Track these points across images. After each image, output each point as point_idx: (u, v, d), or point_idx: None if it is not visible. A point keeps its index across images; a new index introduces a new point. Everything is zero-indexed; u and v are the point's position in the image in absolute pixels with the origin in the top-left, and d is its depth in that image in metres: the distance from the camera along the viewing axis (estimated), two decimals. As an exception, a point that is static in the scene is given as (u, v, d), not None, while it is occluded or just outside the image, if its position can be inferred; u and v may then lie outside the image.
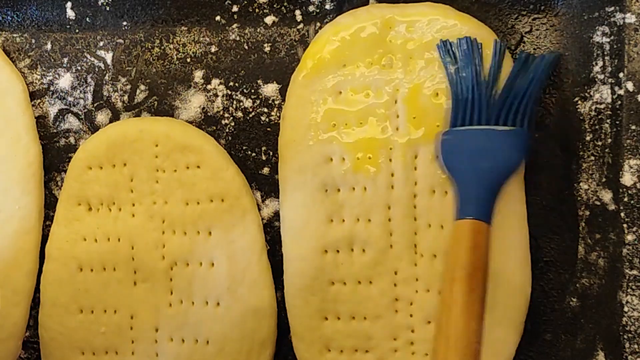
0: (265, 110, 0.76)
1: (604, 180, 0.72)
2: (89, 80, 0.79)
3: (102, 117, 0.78)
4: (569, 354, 0.72)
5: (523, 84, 0.66)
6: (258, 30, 0.77)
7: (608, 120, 0.72)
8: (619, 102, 0.71)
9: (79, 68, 0.79)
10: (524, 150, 0.64)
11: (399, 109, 0.72)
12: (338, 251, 0.72)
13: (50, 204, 0.78)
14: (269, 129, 0.76)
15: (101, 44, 0.79)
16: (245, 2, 0.77)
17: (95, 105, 0.78)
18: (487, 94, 0.66)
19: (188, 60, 0.78)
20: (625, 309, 0.70)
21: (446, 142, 0.67)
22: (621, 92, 0.71)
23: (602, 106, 0.72)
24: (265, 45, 0.77)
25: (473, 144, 0.65)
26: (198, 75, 0.77)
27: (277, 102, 0.76)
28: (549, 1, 0.74)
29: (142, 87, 0.78)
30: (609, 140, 0.72)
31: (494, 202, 0.65)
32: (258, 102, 0.77)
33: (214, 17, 0.77)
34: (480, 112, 0.66)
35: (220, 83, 0.77)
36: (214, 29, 0.78)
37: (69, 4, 0.79)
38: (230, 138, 0.77)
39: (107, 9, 0.79)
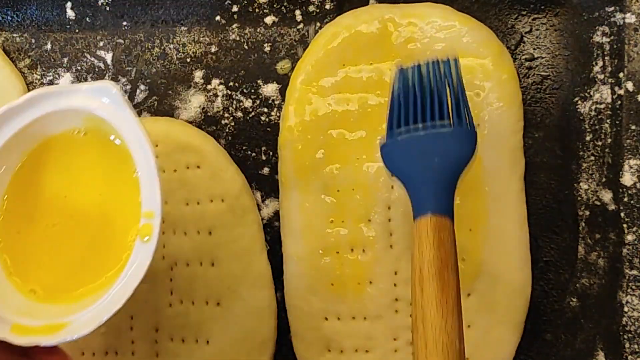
0: (265, 110, 0.76)
1: (604, 180, 0.72)
2: (89, 80, 0.78)
3: (102, 117, 0.78)
4: (569, 354, 0.72)
5: (452, 86, 0.63)
6: (258, 30, 0.77)
7: (608, 120, 0.72)
8: (619, 102, 0.71)
9: (79, 68, 0.79)
10: (473, 146, 0.61)
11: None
12: (338, 252, 0.72)
13: (50, 204, 0.78)
14: (269, 129, 0.76)
15: (101, 44, 0.79)
16: (245, 2, 0.77)
17: (95, 105, 0.78)
18: (427, 97, 0.63)
19: (188, 60, 0.78)
20: (625, 309, 0.70)
21: (388, 151, 0.63)
22: (621, 92, 0.71)
23: (602, 106, 0.72)
24: (265, 45, 0.77)
25: (417, 148, 0.62)
26: (198, 75, 0.77)
27: (277, 102, 0.76)
28: (549, 1, 0.74)
29: (142, 87, 0.78)
30: (609, 140, 0.72)
31: (451, 197, 0.61)
32: (258, 102, 0.77)
33: (214, 17, 0.78)
34: (420, 115, 0.63)
35: (220, 83, 0.77)
36: (214, 29, 0.78)
37: (69, 4, 0.79)
38: (230, 138, 0.77)
39: (107, 9, 0.79)
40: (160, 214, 0.59)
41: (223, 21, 0.77)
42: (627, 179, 0.71)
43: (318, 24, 0.76)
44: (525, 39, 0.74)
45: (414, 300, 0.58)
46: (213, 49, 0.77)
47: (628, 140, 0.71)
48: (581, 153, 0.72)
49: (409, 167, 0.62)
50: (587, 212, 0.72)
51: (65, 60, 0.79)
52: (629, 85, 0.71)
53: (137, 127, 0.60)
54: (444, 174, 0.61)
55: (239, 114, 0.77)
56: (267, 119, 0.76)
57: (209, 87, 0.77)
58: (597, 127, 0.72)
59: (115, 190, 0.64)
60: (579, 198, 0.72)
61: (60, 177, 0.65)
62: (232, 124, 0.77)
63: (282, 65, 0.77)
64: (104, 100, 0.62)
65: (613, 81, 0.72)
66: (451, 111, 0.61)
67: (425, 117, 0.61)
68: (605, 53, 0.72)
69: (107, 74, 0.78)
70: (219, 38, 0.77)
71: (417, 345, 0.57)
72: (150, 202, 0.59)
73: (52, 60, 0.79)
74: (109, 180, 0.64)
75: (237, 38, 0.77)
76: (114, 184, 0.64)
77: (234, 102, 0.77)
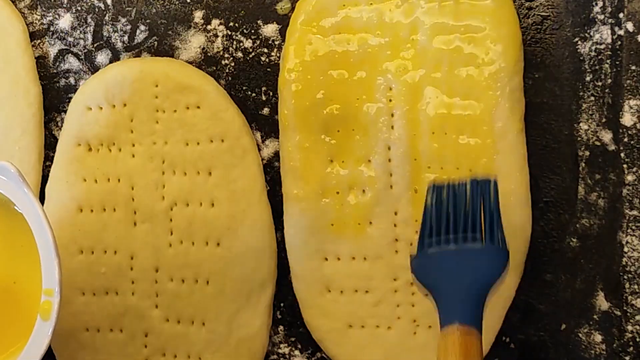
0: (266, 50, 0.76)
1: (604, 120, 0.72)
2: (89, 20, 0.78)
3: (102, 57, 0.78)
4: (568, 294, 0.72)
5: (487, 205, 0.64)
6: (258, -30, 0.77)
7: (608, 61, 0.72)
8: (619, 43, 0.71)
9: (79, 8, 0.78)
10: (504, 265, 0.62)
11: (400, 49, 0.72)
12: (338, 192, 0.72)
13: (50, 144, 0.77)
14: (269, 70, 0.76)
15: (101, -16, 0.79)
16: (246, -59, 0.77)
17: (95, 45, 0.78)
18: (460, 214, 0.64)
19: (188, 0, 0.77)
20: (625, 249, 0.70)
21: (419, 263, 0.64)
22: (621, 32, 0.71)
23: (602, 46, 0.72)
24: (265, -15, 0.77)
25: (448, 263, 0.63)
26: (198, 15, 0.77)
27: (277, 43, 0.76)
28: (548, -59, 0.74)
29: (142, 27, 0.78)
30: (609, 81, 0.72)
31: (480, 310, 0.61)
32: (258, 42, 0.76)
33: (213, -43, 0.77)
34: (453, 229, 0.64)
35: (220, 23, 0.77)
36: (214, -30, 0.77)
37: (69, -56, 0.79)
38: (230, 78, 0.76)
39: (107, -51, 0.79)
40: (59, 292, 0.60)
41: (223, -39, 0.77)
42: (627, 119, 0.71)
43: (319, -35, 0.76)
44: (524, -20, 0.74)
45: None
46: (213, -11, 0.77)
47: (628, 81, 0.71)
48: (581, 93, 0.72)
49: (438, 280, 0.63)
50: (587, 153, 0.72)
51: (65, 0, 0.79)
52: (629, 26, 0.71)
53: (35, 206, 0.61)
54: (472, 288, 0.61)
55: (239, 54, 0.77)
56: (267, 60, 0.76)
57: (208, 27, 0.77)
58: (597, 67, 0.72)
59: (19, 263, 0.65)
60: (579, 138, 0.72)
61: None
62: (232, 64, 0.77)
63: (282, 6, 0.76)
64: (2, 178, 0.63)
65: (613, 21, 0.72)
66: (484, 229, 0.62)
67: (458, 233, 0.62)
68: (605, -7, 0.72)
69: (107, 14, 0.78)
70: (219, -22, 0.77)
71: None
72: (49, 280, 0.60)
73: (52, 0, 0.79)
74: (13, 252, 0.65)
75: (237, -22, 0.77)
76: (18, 256, 0.65)
77: (234, 42, 0.77)
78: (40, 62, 0.78)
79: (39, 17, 0.79)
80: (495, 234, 0.62)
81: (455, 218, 0.63)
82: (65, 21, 0.79)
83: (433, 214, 0.64)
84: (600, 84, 0.72)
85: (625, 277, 0.70)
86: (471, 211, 0.62)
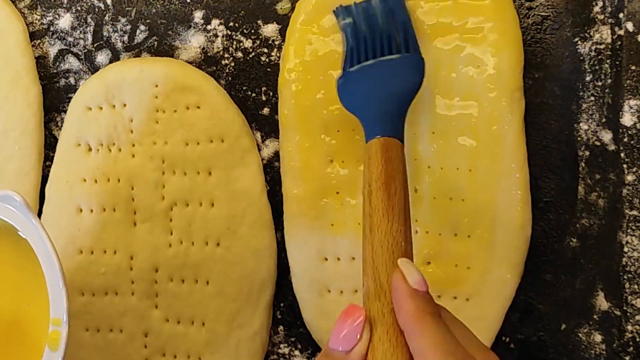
0: (266, 50, 0.76)
1: (604, 120, 0.72)
2: (89, 20, 0.78)
3: (102, 57, 0.78)
4: (569, 294, 0.72)
5: (398, 18, 0.68)
6: (258, -29, 0.77)
7: (608, 61, 0.72)
8: (619, 43, 0.71)
9: (79, 8, 0.79)
10: (420, 72, 0.66)
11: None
12: (338, 192, 0.72)
13: (50, 144, 0.78)
14: (269, 70, 0.76)
15: (101, -16, 0.79)
16: (246, -59, 0.77)
17: (95, 45, 0.78)
18: (378, 32, 0.68)
19: (188, 0, 0.77)
20: (625, 249, 0.70)
21: (342, 86, 0.68)
22: (621, 32, 0.71)
23: (602, 46, 0.72)
24: (265, -15, 0.77)
25: (368, 79, 0.66)
26: (198, 15, 0.77)
27: (277, 43, 0.76)
28: (548, -59, 0.74)
29: (142, 27, 0.78)
30: (609, 81, 0.72)
31: (401, 121, 0.65)
32: (258, 42, 0.76)
33: (213, -42, 0.78)
34: (371, 50, 0.67)
35: (220, 23, 0.77)
36: (213, -30, 0.78)
37: (68, -56, 0.79)
38: (230, 78, 0.77)
39: (107, -51, 0.79)
40: (67, 322, 0.59)
41: (223, -39, 0.77)
42: (627, 119, 0.71)
43: (319, -35, 0.76)
44: (523, -21, 0.74)
45: (364, 212, 0.61)
46: (213, -11, 0.77)
47: (628, 81, 0.71)
48: (581, 93, 0.72)
49: (360, 98, 0.66)
50: (587, 153, 0.72)
51: (66, 0, 0.79)
52: (629, 26, 0.71)
53: (42, 235, 0.60)
54: (393, 100, 0.65)
55: (239, 54, 0.77)
56: (267, 60, 0.76)
57: (209, 27, 0.77)
58: (597, 67, 0.72)
59: (27, 292, 0.64)
60: (579, 138, 0.72)
61: None
62: (232, 64, 0.77)
63: (282, 6, 0.76)
64: (9, 207, 0.62)
65: (613, 21, 0.72)
66: (398, 41, 0.66)
67: (376, 50, 0.66)
68: (605, -7, 0.72)
69: (107, 14, 0.78)
70: (219, -22, 0.77)
71: (365, 248, 0.59)
72: (57, 310, 0.59)
73: (52, 0, 0.79)
74: (20, 281, 0.65)
75: (237, -22, 0.77)
76: (25, 286, 0.64)
77: (234, 42, 0.77)
78: (40, 62, 0.79)
79: (39, 17, 0.79)
80: (410, 43, 0.66)
81: (373, 36, 0.67)
82: (65, 21, 0.79)
83: (349, 35, 0.68)
84: (600, 84, 0.72)
85: (625, 277, 0.70)
86: (386, 27, 0.67)
